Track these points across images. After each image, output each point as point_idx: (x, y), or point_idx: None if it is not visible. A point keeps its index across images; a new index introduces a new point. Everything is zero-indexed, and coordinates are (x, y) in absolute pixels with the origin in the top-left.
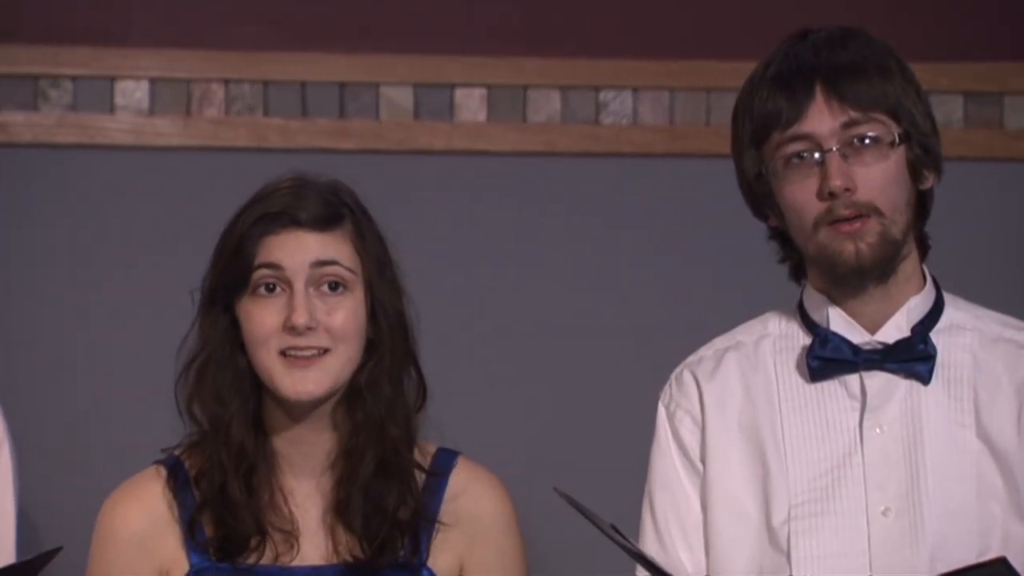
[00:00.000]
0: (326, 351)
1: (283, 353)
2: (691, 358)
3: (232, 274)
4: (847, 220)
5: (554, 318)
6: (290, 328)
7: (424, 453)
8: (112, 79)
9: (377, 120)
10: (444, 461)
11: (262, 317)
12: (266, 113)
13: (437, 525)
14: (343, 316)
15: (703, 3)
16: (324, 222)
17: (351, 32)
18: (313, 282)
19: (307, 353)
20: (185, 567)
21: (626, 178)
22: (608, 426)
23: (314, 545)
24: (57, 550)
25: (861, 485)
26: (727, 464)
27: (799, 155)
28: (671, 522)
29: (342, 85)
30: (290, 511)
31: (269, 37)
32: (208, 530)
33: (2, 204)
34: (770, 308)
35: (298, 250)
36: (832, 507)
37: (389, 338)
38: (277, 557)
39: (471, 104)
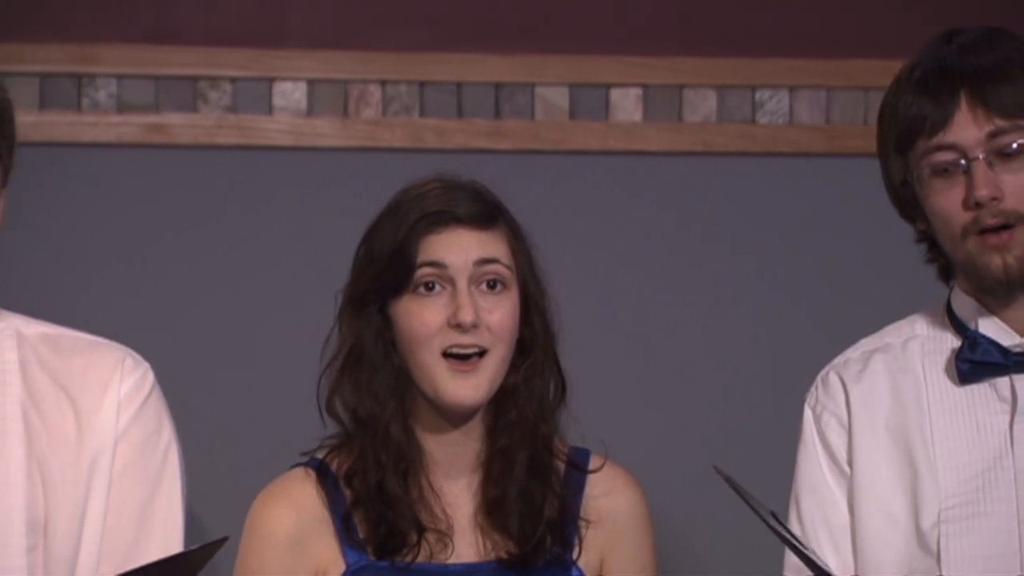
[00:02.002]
0: (484, 352)
1: (445, 354)
2: (837, 360)
3: (391, 274)
4: (994, 231)
5: (707, 317)
6: (456, 325)
7: (560, 451)
8: (271, 80)
9: (533, 120)
10: (580, 459)
11: (424, 316)
12: (422, 114)
13: (582, 522)
14: (501, 315)
15: (861, 1)
16: (483, 220)
17: (507, 32)
18: (475, 280)
19: (469, 351)
20: (342, 566)
21: (782, 178)
22: (754, 428)
23: (467, 543)
24: (223, 540)
25: (1012, 487)
26: (874, 466)
27: (944, 167)
28: (818, 525)
29: (498, 86)
30: (443, 509)
31: (426, 38)
32: (363, 529)
33: (164, 204)
34: (921, 309)
35: (461, 248)
36: (984, 509)
37: (540, 338)
38: (432, 555)
39: (627, 104)
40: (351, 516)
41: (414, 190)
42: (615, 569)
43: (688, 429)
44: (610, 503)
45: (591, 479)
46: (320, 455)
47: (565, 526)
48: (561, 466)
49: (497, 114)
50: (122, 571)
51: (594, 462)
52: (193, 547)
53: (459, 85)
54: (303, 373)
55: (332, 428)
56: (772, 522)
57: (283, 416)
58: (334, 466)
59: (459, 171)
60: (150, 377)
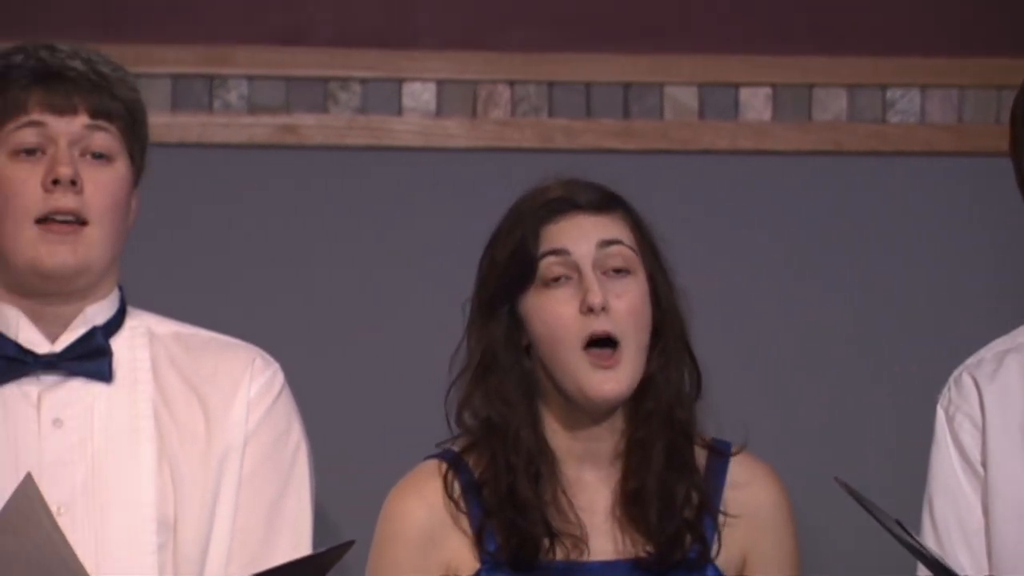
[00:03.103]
0: (615, 342)
1: (587, 346)
2: (970, 360)
3: (515, 270)
4: None
5: (836, 317)
6: (587, 309)
7: (699, 444)
8: (400, 81)
9: (661, 120)
10: (721, 449)
11: (556, 308)
12: (551, 114)
13: (722, 518)
14: (630, 299)
15: None
16: (601, 205)
17: (636, 32)
18: (600, 264)
19: (604, 327)
20: (474, 564)
21: (913, 177)
22: (886, 429)
23: (603, 540)
24: (350, 543)
25: None
26: (1009, 467)
27: None
28: (951, 526)
29: (627, 85)
30: (576, 508)
31: (554, 38)
32: (498, 536)
33: (295, 205)
34: None
35: (582, 233)
36: None
37: (671, 327)
38: (568, 554)
39: (756, 103)
40: (485, 525)
41: (531, 191)
42: (757, 564)
43: (815, 432)
44: (751, 497)
45: (732, 473)
46: (456, 448)
47: (704, 520)
48: (702, 457)
49: (626, 114)
50: (251, 572)
51: (735, 453)
52: (321, 549)
53: (588, 85)
54: (432, 372)
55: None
56: (898, 530)
57: (413, 416)
58: (470, 462)
59: (587, 171)
60: (279, 377)
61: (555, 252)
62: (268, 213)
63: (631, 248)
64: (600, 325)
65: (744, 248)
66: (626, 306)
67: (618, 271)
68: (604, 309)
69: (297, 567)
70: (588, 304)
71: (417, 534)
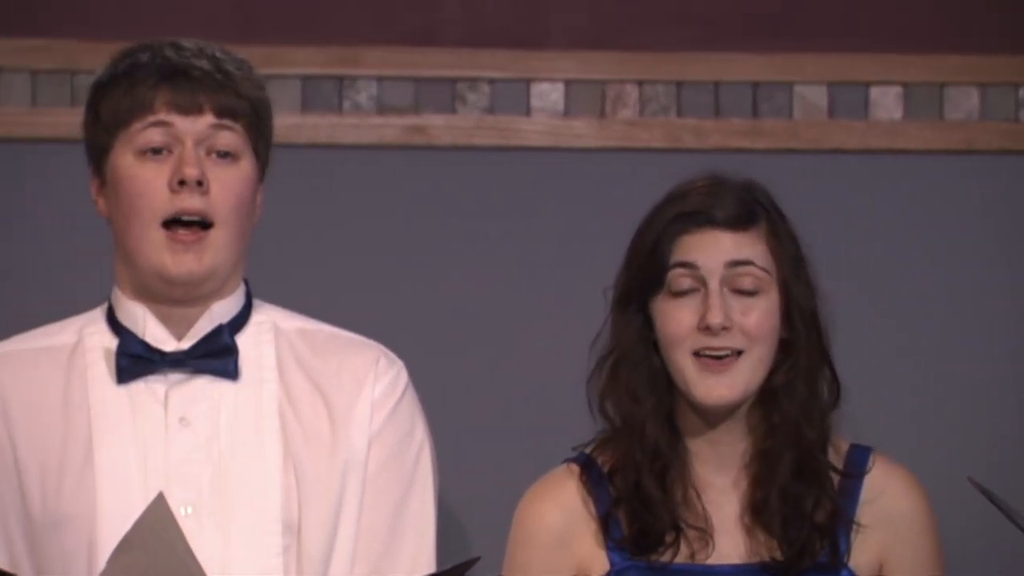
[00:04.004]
0: (739, 353)
1: (696, 354)
2: None
3: (647, 273)
4: None
5: (969, 316)
6: (705, 328)
7: (837, 450)
8: (528, 81)
9: (791, 119)
10: (858, 458)
11: (677, 317)
12: (679, 114)
13: (855, 526)
14: (757, 317)
15: None
16: (740, 221)
17: (765, 31)
18: (728, 282)
19: (721, 354)
20: (604, 566)
21: None
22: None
23: (731, 544)
24: (475, 560)
25: None
26: None
27: None
28: None
29: (756, 85)
30: (704, 509)
31: (683, 37)
32: (624, 527)
33: (424, 205)
34: None
35: (714, 250)
36: None
37: (804, 338)
38: (693, 555)
39: (887, 102)
40: (613, 515)
41: (683, 187)
42: (896, 572)
43: (957, 432)
44: (889, 504)
45: (868, 480)
46: (589, 450)
47: (836, 530)
48: (838, 463)
49: (755, 113)
50: (377, 572)
51: (873, 461)
52: (446, 567)
53: (716, 84)
54: (556, 372)
55: (594, 427)
56: None
57: (538, 417)
58: (600, 462)
59: (716, 171)
60: (403, 377)
61: (684, 264)
62: (396, 213)
63: (763, 268)
64: (716, 343)
65: (875, 248)
66: (752, 323)
67: (748, 289)
68: (725, 328)
69: None
70: (707, 322)
71: (549, 536)
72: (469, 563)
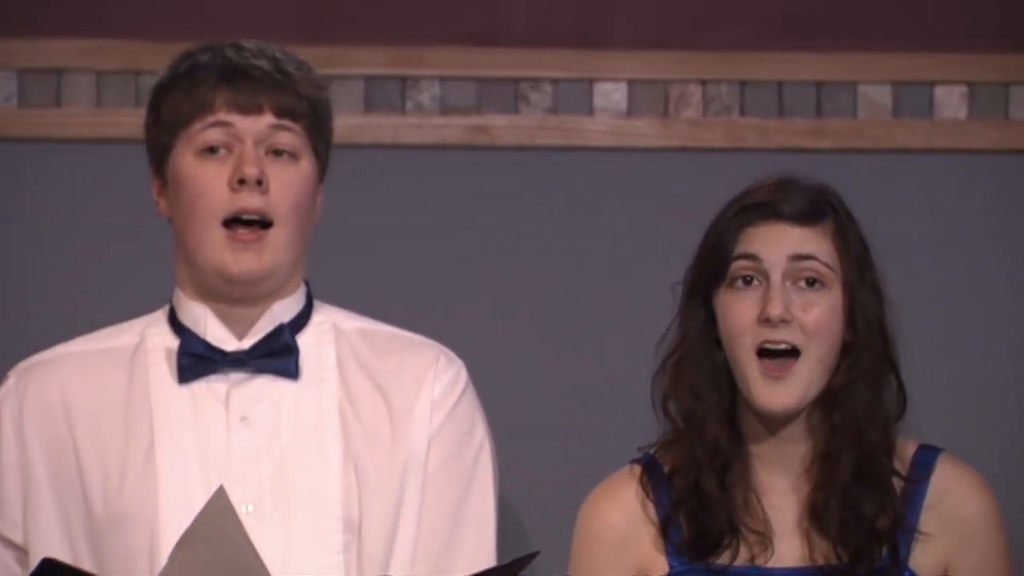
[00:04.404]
0: (797, 353)
1: (759, 353)
2: None
3: (711, 265)
4: None
5: None
6: (765, 320)
7: (903, 452)
8: (591, 81)
9: (855, 119)
10: (925, 460)
11: (738, 309)
12: (743, 113)
13: (918, 533)
14: (818, 313)
15: None
16: (806, 216)
17: (829, 30)
18: (791, 276)
19: (780, 347)
20: (663, 568)
21: None
22: None
23: (789, 547)
24: (535, 554)
25: None
26: None
27: None
28: None
29: (819, 84)
30: (764, 512)
31: (746, 37)
32: (684, 530)
33: (487, 205)
34: None
35: (777, 242)
36: None
37: (867, 342)
38: (752, 558)
39: (951, 101)
40: (673, 517)
41: (754, 185)
42: (962, 575)
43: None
44: (954, 508)
45: (934, 483)
46: (653, 450)
47: (898, 535)
48: (904, 465)
49: (819, 113)
50: (435, 572)
51: (940, 463)
52: (505, 562)
53: (780, 84)
54: (618, 373)
55: (657, 428)
56: None
57: (598, 416)
58: (662, 462)
59: (779, 171)
60: (463, 376)
61: (747, 256)
62: (459, 214)
63: (826, 264)
64: (776, 335)
65: (940, 248)
66: (813, 319)
67: (810, 284)
68: (784, 321)
69: None
70: (767, 314)
71: (612, 537)
72: (529, 558)
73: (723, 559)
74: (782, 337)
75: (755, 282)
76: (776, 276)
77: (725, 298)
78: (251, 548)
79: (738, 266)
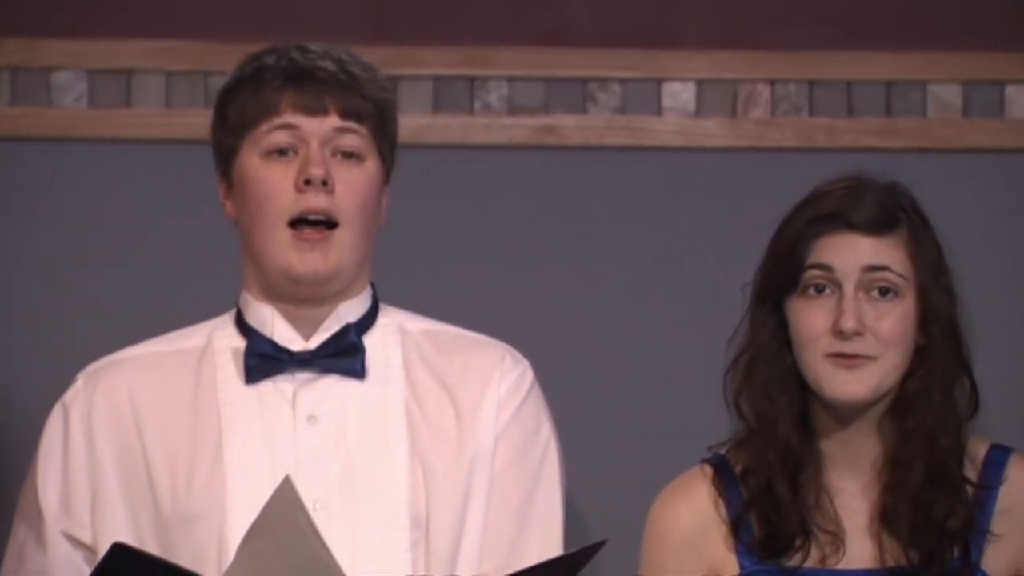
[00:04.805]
0: (871, 358)
1: (829, 356)
2: None
3: (783, 273)
4: None
5: None
6: (838, 332)
7: (974, 451)
8: (659, 81)
9: (925, 118)
10: (997, 460)
11: (810, 318)
12: (812, 113)
13: (990, 535)
14: (891, 323)
15: None
16: (878, 226)
17: (898, 30)
18: (863, 286)
19: (854, 350)
20: (734, 569)
21: None
22: None
23: (860, 549)
24: (602, 543)
25: None
26: None
27: None
28: None
29: (889, 83)
30: (835, 513)
31: (815, 36)
32: (756, 529)
33: (555, 205)
34: None
35: (850, 253)
36: None
37: (941, 346)
38: (823, 559)
39: (1022, 100)
40: (744, 517)
41: (824, 187)
42: None
43: None
44: None
45: (1008, 482)
46: (724, 450)
47: (969, 536)
48: (972, 474)
49: (888, 112)
50: (503, 571)
51: (1012, 463)
52: (573, 550)
53: (849, 83)
54: (690, 371)
55: (725, 427)
56: None
57: (673, 416)
58: (734, 462)
59: (848, 170)
60: (529, 375)
61: (820, 267)
62: (527, 214)
63: (899, 274)
64: (849, 348)
65: (1013, 248)
66: (886, 329)
67: (883, 293)
68: (857, 334)
69: (550, 567)
70: (840, 327)
71: (681, 538)
72: (596, 546)
73: (794, 560)
74: (856, 350)
75: (827, 291)
76: (849, 287)
77: (797, 305)
78: (319, 538)
79: (810, 275)
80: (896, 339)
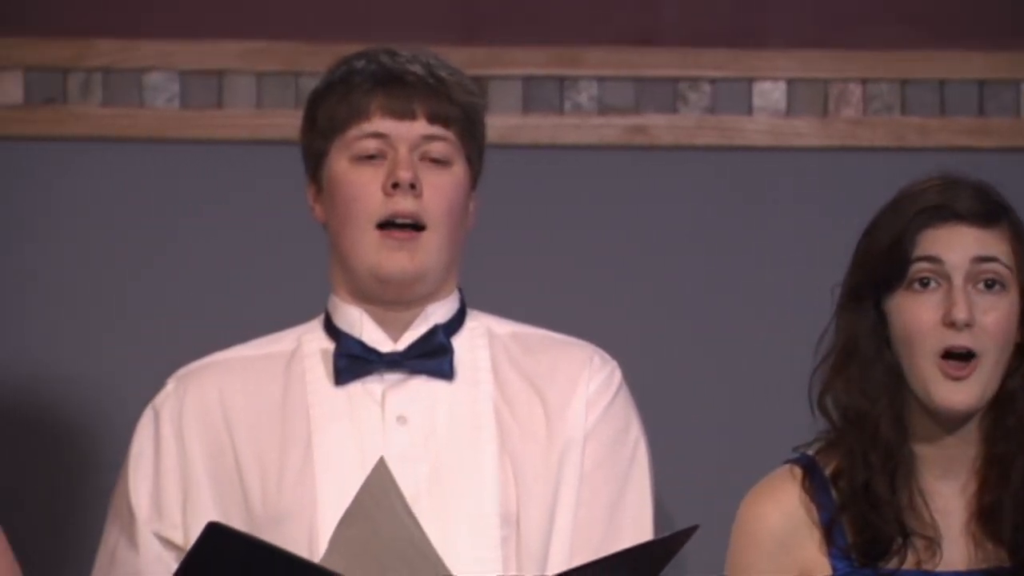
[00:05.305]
0: (975, 356)
1: (943, 356)
2: None
3: (886, 269)
4: None
5: None
6: (950, 324)
7: None
8: (750, 80)
9: (1018, 117)
10: None
11: (919, 313)
12: (904, 112)
13: None
14: (997, 316)
15: None
16: (984, 218)
17: (992, 29)
18: (972, 278)
19: (962, 351)
20: (827, 572)
21: None
22: None
23: (956, 551)
24: (694, 528)
25: None
26: None
27: None
28: None
29: (982, 82)
30: (931, 515)
31: (907, 35)
32: (849, 533)
33: (644, 205)
34: None
35: (959, 244)
36: None
37: None
38: (919, 562)
39: None
40: (837, 520)
41: (915, 186)
42: None
43: None
44: None
45: None
46: (811, 451)
47: None
48: None
49: (981, 111)
50: None
51: None
52: (664, 535)
53: (942, 82)
54: (780, 372)
55: (811, 427)
56: None
57: (752, 416)
58: (823, 464)
59: (941, 170)
60: (617, 375)
61: (928, 259)
62: (617, 214)
63: (1007, 266)
64: (960, 340)
65: None
66: (992, 322)
67: (989, 286)
68: (968, 325)
69: (641, 551)
70: (952, 318)
71: (771, 538)
72: (688, 532)
73: (891, 564)
74: (965, 343)
75: (932, 284)
76: (958, 279)
77: (903, 301)
78: (414, 520)
79: (917, 268)
80: (1000, 334)
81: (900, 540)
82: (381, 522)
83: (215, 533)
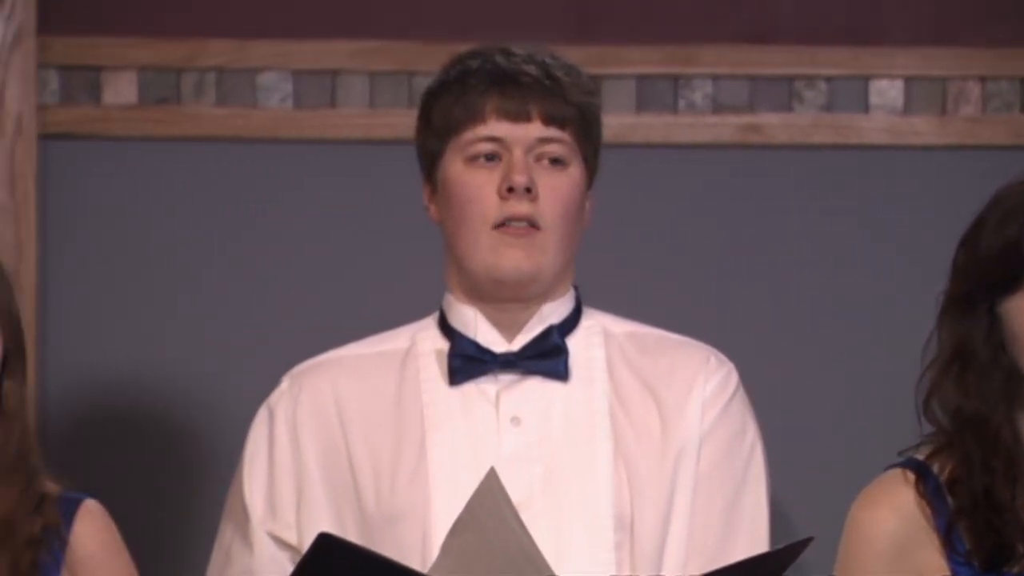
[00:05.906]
0: None
1: None
2: None
3: (1001, 272)
4: None
5: None
6: None
7: None
8: (867, 79)
9: None
10: None
11: None
12: (1023, 110)
13: None
14: None
15: None
16: None
17: None
18: None
19: None
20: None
21: None
22: None
23: None
24: (808, 540)
25: None
26: None
27: None
28: None
29: None
30: None
31: None
32: (967, 539)
33: (758, 204)
34: None
35: None
36: None
37: None
38: None
39: None
40: (954, 525)
41: (1019, 186)
42: None
43: None
44: None
45: None
46: (920, 456)
47: None
48: None
49: None
50: (709, 571)
51: None
52: (779, 546)
53: None
54: (890, 374)
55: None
56: None
57: (867, 417)
58: (936, 470)
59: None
60: (734, 377)
61: None
62: (732, 213)
63: None
64: None
65: None
66: None
67: None
68: None
69: (756, 563)
70: None
71: (887, 543)
72: (803, 543)
73: (1013, 569)
74: None
75: None
76: None
77: (1020, 303)
78: (524, 530)
79: None
80: None
81: (1022, 547)
82: (491, 531)
83: (326, 543)
